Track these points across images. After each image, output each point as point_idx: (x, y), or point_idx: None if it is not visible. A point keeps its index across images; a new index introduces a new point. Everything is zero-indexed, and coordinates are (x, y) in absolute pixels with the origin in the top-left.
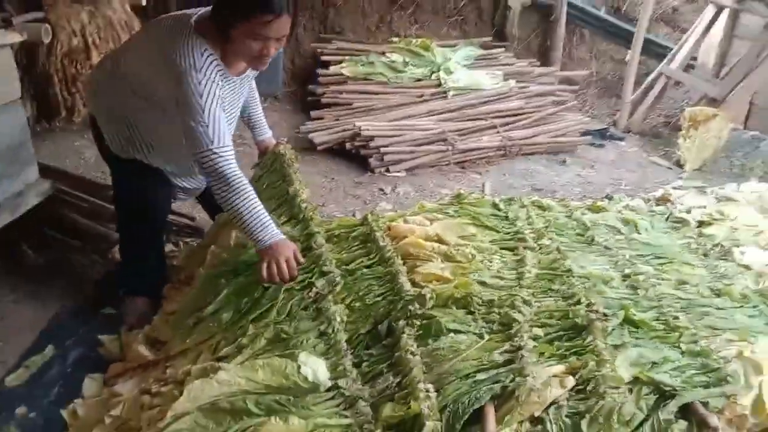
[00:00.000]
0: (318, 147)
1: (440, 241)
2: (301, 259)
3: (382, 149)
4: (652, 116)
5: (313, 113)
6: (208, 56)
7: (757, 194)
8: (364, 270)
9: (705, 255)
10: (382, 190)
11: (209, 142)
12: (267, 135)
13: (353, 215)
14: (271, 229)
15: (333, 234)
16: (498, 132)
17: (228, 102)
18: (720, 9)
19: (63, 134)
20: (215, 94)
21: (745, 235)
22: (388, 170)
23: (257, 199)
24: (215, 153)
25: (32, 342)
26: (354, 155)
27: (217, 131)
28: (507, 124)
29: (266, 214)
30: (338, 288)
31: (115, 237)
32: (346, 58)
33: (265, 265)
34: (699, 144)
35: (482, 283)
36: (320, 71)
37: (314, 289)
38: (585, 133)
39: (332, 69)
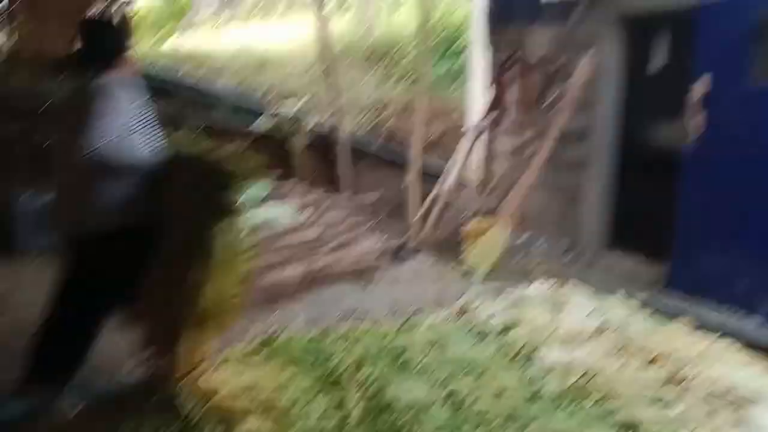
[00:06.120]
0: None
1: (255, 391)
2: None
3: None
4: (440, 231)
5: None
6: None
7: (543, 294)
8: None
9: (511, 361)
10: None
11: None
12: None
13: None
14: None
15: None
16: (301, 263)
17: None
18: (479, 132)
19: None
20: None
21: (542, 335)
22: None
23: None
24: None
25: None
26: None
27: None
28: (308, 253)
29: None
30: None
31: None
32: None
33: None
34: (484, 252)
35: None
36: None
37: None
38: (383, 254)
39: None
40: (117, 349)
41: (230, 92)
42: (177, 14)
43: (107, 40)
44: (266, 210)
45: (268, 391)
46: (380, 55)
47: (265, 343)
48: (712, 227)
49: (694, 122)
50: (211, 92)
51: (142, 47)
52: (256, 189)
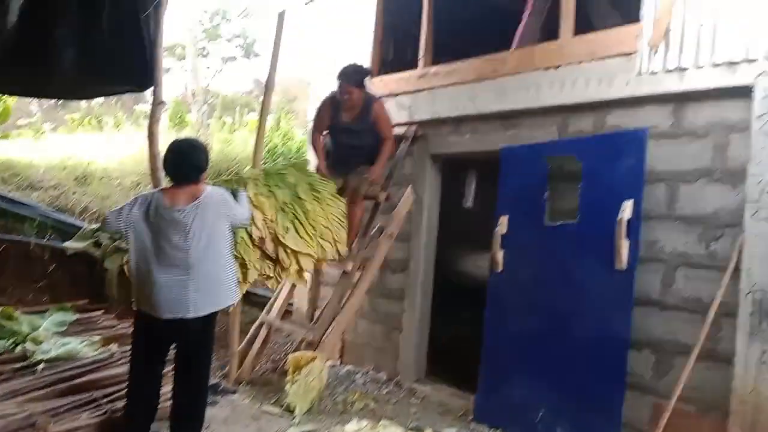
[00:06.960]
0: None
1: None
2: None
3: None
4: (260, 364)
5: None
6: None
7: None
8: None
9: None
10: None
11: None
12: None
13: None
14: None
15: None
16: (99, 405)
17: None
18: None
19: None
20: None
21: None
22: None
23: None
24: None
25: None
26: None
27: None
28: (111, 394)
29: None
30: None
31: None
32: None
33: None
34: (304, 387)
35: None
36: None
37: None
38: None
39: None
40: None
41: (44, 207)
42: None
43: None
44: (69, 340)
45: None
46: (215, 173)
47: None
48: (510, 359)
49: (495, 259)
50: (25, 205)
51: None
52: (61, 316)
